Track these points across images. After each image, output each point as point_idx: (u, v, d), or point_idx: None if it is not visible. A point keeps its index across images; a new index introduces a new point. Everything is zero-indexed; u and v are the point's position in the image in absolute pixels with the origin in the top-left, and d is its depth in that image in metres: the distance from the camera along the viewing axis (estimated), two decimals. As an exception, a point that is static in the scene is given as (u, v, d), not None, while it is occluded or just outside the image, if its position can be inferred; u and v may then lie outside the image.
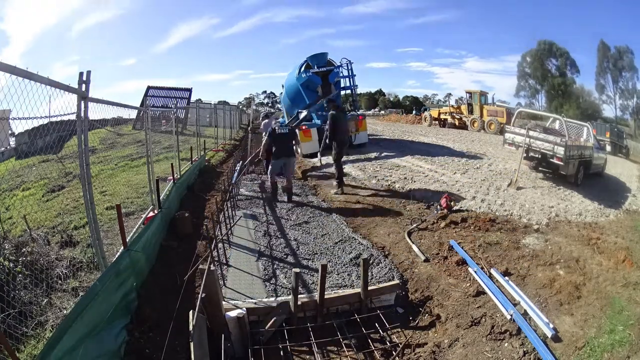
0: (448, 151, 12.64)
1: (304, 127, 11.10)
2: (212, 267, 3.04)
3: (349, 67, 12.23)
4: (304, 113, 11.43)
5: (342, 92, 13.17)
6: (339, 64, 12.15)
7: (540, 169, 8.85)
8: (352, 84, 12.52)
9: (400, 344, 3.36)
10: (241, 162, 9.36)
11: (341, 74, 12.23)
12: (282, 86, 14.30)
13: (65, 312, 2.92)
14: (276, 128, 6.82)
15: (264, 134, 8.79)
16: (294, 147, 7.25)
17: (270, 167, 6.95)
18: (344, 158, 8.88)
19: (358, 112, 13.25)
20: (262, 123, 10.33)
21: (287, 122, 12.23)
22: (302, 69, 11.89)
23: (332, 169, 8.19)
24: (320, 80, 11.64)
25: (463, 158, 11.18)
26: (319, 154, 10.29)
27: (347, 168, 9.36)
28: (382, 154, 11.52)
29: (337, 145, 7.60)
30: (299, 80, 11.85)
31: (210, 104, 23.66)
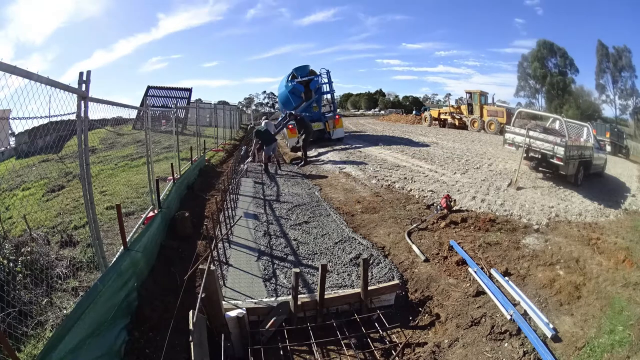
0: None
1: (290, 126, 12.96)
2: (212, 267, 3.04)
3: (328, 76, 14.99)
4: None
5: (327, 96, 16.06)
6: (319, 73, 14.90)
7: (540, 169, 8.85)
8: (330, 89, 15.31)
9: (400, 343, 3.36)
10: (245, 147, 11.93)
11: (321, 82, 14.94)
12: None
13: (65, 312, 2.93)
14: (259, 129, 10.31)
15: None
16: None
17: (265, 150, 9.99)
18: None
19: (336, 113, 15.97)
20: (263, 122, 11.86)
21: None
22: (289, 78, 14.76)
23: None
24: (303, 87, 14.36)
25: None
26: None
27: (347, 168, 10.19)
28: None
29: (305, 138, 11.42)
30: (287, 88, 14.69)
31: (210, 104, 23.61)
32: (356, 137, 17.33)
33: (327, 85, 15.19)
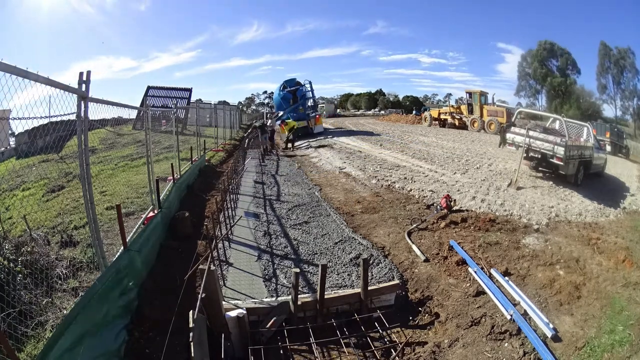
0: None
1: (282, 124, 17.35)
2: (212, 267, 3.04)
3: (310, 85, 20.16)
4: (280, 113, 18.95)
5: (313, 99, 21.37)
6: (303, 83, 20.05)
7: (540, 169, 8.84)
8: (312, 95, 20.58)
9: (401, 343, 3.36)
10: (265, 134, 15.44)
11: (305, 90, 19.93)
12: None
13: (65, 312, 2.92)
14: (256, 124, 16.21)
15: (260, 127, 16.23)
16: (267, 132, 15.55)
17: (260, 138, 14.30)
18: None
19: (317, 113, 21.34)
20: (259, 122, 15.58)
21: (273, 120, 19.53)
22: (281, 88, 19.86)
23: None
24: (292, 95, 19.48)
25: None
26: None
27: (347, 168, 10.34)
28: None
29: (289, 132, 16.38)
30: (280, 95, 19.85)
31: (210, 104, 23.59)
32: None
33: (310, 92, 20.22)
